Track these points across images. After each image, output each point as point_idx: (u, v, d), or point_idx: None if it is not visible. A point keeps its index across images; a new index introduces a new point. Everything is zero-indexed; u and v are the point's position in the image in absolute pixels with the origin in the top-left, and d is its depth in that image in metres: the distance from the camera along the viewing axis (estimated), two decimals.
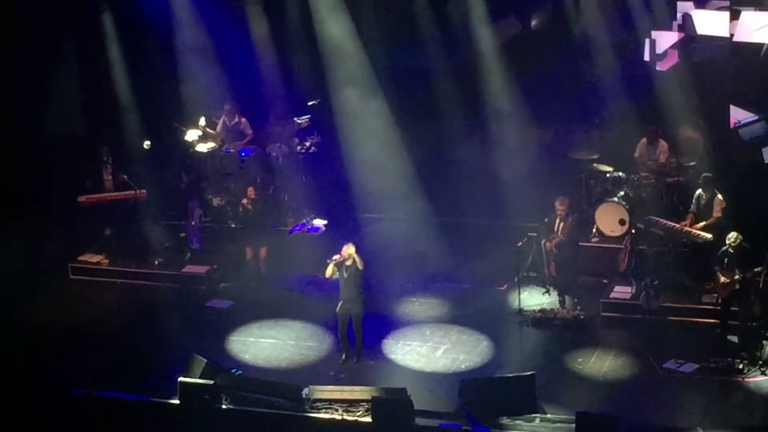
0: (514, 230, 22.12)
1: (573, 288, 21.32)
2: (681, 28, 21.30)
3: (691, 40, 21.35)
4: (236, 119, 24.61)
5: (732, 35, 20.76)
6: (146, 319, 21.54)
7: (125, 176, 23.51)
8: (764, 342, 19.39)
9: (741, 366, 18.92)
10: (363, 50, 24.44)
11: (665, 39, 21.79)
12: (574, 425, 17.13)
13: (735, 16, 20.71)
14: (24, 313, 21.61)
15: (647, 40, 21.52)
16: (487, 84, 24.12)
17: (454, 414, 17.95)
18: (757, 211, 20.96)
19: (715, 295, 19.93)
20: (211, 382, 18.32)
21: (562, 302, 21.15)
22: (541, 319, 20.77)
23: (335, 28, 24.34)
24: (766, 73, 21.13)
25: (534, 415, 17.84)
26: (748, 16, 20.42)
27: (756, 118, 21.27)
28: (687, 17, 21.09)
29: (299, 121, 24.14)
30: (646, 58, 21.59)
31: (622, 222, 21.99)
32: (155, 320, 21.44)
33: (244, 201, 22.48)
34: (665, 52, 21.47)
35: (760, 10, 20.59)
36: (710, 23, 20.98)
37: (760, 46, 20.47)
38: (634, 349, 19.68)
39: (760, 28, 20.36)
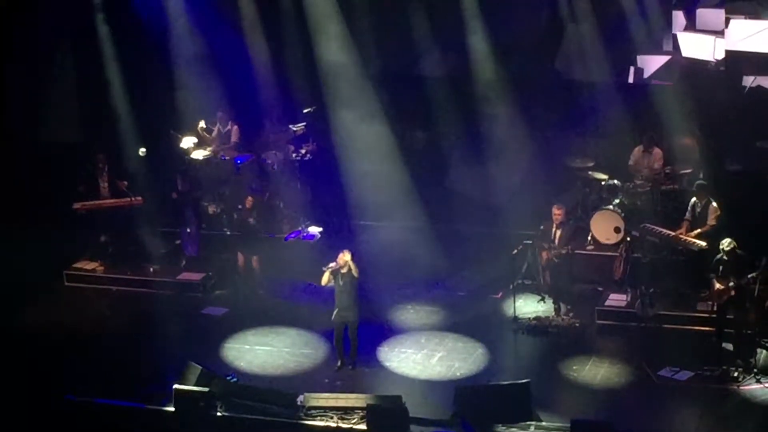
0: (509, 238, 22.11)
1: (568, 296, 21.32)
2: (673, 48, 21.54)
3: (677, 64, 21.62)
4: (228, 126, 24.62)
5: (716, 60, 20.98)
6: (141, 326, 21.51)
7: (125, 182, 23.52)
8: (759, 350, 19.40)
9: (736, 374, 18.91)
10: (358, 58, 24.48)
11: (651, 63, 22.03)
12: None
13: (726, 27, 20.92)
14: (19, 320, 21.60)
15: (632, 68, 21.70)
16: (483, 92, 24.15)
17: (449, 421, 17.94)
18: (752, 218, 21.00)
19: (710, 302, 19.93)
20: (206, 389, 18.31)
21: (557, 310, 21.15)
22: (537, 327, 20.77)
23: (330, 36, 24.39)
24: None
25: (529, 422, 17.82)
26: (738, 24, 20.52)
27: None
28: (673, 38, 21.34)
29: (295, 129, 24.17)
30: (630, 80, 21.72)
31: (617, 230, 22.00)
32: (150, 327, 21.39)
33: (247, 206, 22.42)
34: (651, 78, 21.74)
35: (750, 18, 20.69)
36: (696, 46, 21.20)
37: (752, 54, 20.58)
38: (629, 357, 19.67)
39: (749, 36, 20.46)
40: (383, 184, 23.69)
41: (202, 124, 24.31)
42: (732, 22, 20.81)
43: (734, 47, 20.71)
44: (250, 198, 22.51)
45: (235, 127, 24.65)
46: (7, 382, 19.29)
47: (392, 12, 24.55)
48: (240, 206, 23.06)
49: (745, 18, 20.80)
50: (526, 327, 20.81)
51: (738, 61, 21.11)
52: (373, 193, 23.63)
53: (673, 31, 21.95)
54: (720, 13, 21.29)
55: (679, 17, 22.01)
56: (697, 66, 21.58)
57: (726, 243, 19.20)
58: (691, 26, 21.84)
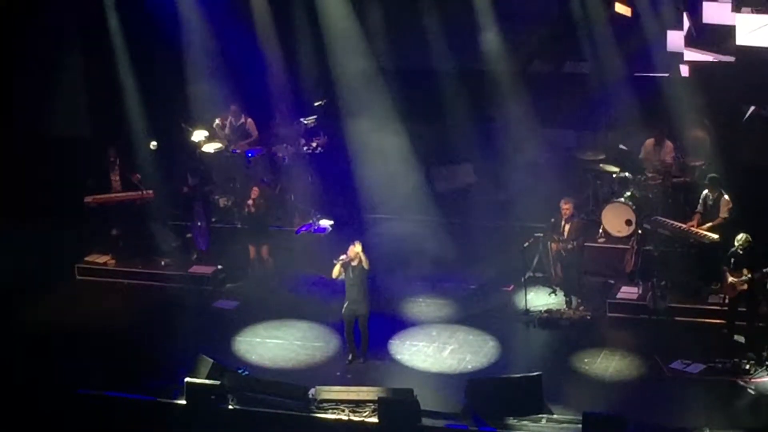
0: (520, 231, 22.12)
1: (579, 288, 21.32)
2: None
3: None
4: (242, 120, 24.64)
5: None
6: (153, 319, 21.55)
7: (138, 176, 23.56)
8: None
9: (748, 366, 18.90)
10: (370, 50, 24.46)
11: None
12: (580, 426, 17.15)
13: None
14: (31, 314, 21.63)
15: None
16: (494, 86, 24.11)
17: (460, 414, 17.97)
18: (764, 211, 20.95)
19: (722, 295, 19.92)
20: (218, 382, 18.35)
21: (568, 302, 21.15)
22: (548, 320, 20.77)
23: (342, 29, 24.37)
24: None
25: (541, 415, 17.84)
26: (744, 18, 20.53)
27: None
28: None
29: (306, 122, 24.15)
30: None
31: (628, 222, 21.97)
32: (162, 321, 21.44)
33: (249, 202, 22.48)
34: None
35: (756, 12, 20.69)
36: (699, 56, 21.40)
37: (761, 49, 20.59)
38: (641, 350, 19.68)
39: (757, 29, 20.48)
40: (394, 178, 23.66)
41: (217, 121, 24.34)
42: (738, 16, 20.80)
43: (742, 42, 20.72)
44: (255, 189, 22.53)
45: (250, 120, 24.66)
46: (18, 375, 19.32)
47: (403, 7, 24.50)
48: (248, 200, 23.08)
49: (752, 11, 20.78)
50: (538, 320, 20.81)
51: (746, 56, 21.11)
52: (384, 186, 23.61)
53: (682, 32, 22.03)
54: (726, 7, 21.27)
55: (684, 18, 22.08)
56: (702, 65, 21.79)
57: (741, 238, 19.21)
58: (697, 22, 21.84)
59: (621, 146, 23.11)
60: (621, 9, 22.72)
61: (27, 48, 25.25)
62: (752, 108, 21.99)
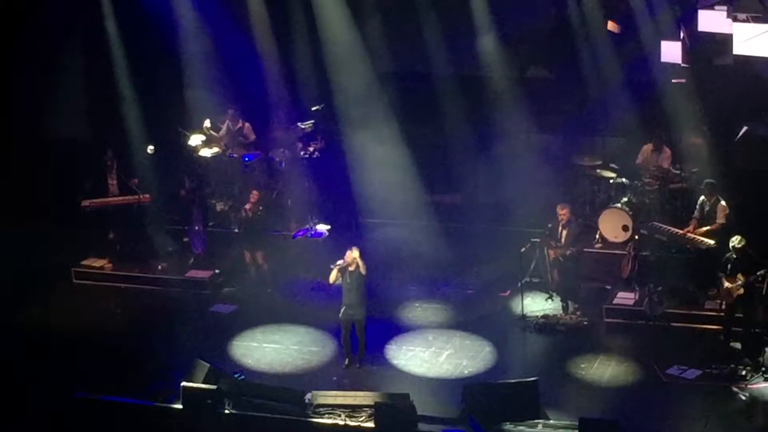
0: (517, 236, 22.12)
1: (576, 294, 21.33)
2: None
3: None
4: (239, 124, 24.64)
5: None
6: (149, 323, 21.55)
7: (136, 180, 23.57)
8: (767, 348, 19.37)
9: (744, 372, 18.91)
10: (367, 55, 24.47)
11: None
12: (577, 431, 17.15)
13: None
14: (28, 317, 21.64)
15: None
16: (492, 90, 24.12)
17: (457, 419, 17.96)
18: (760, 217, 20.97)
19: (719, 301, 19.95)
20: (214, 387, 18.33)
21: (565, 308, 21.16)
22: (544, 325, 20.78)
23: (339, 34, 24.38)
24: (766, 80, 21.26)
25: (537, 420, 17.84)
26: (741, 27, 20.56)
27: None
28: None
29: (303, 126, 24.15)
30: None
31: (625, 228, 21.99)
32: (158, 325, 21.43)
33: (247, 206, 22.47)
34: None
35: (753, 20, 20.71)
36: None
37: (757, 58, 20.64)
38: (637, 355, 19.68)
39: (754, 37, 20.49)
40: (391, 182, 23.67)
41: (207, 123, 24.28)
42: (734, 25, 20.84)
43: (739, 50, 20.75)
44: (255, 192, 22.52)
45: (248, 124, 24.67)
46: (16, 379, 19.31)
47: (401, 11, 24.51)
48: (247, 204, 23.10)
49: (748, 20, 20.81)
50: (534, 325, 20.81)
51: (743, 64, 21.14)
52: (381, 190, 23.63)
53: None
54: (722, 15, 21.27)
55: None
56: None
57: (737, 240, 19.23)
58: (692, 31, 21.86)
59: (612, 165, 23.17)
60: (611, 26, 22.80)
61: (27, 48, 25.25)
62: (745, 128, 22.05)
